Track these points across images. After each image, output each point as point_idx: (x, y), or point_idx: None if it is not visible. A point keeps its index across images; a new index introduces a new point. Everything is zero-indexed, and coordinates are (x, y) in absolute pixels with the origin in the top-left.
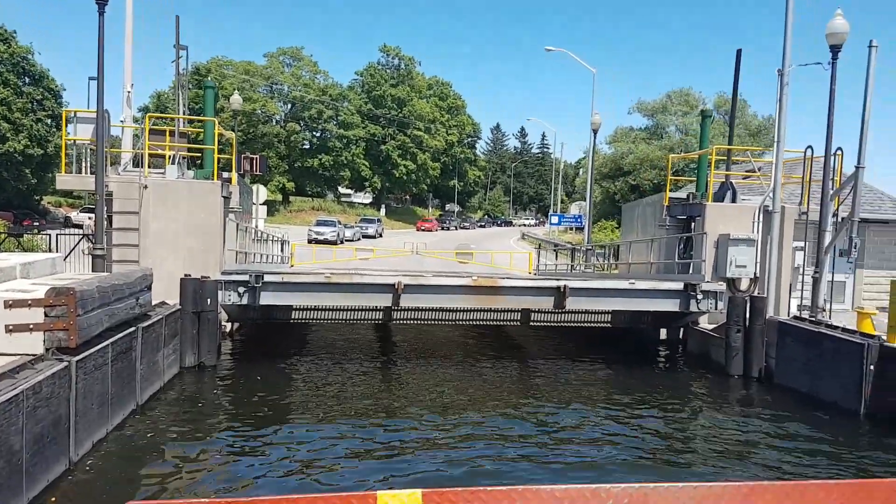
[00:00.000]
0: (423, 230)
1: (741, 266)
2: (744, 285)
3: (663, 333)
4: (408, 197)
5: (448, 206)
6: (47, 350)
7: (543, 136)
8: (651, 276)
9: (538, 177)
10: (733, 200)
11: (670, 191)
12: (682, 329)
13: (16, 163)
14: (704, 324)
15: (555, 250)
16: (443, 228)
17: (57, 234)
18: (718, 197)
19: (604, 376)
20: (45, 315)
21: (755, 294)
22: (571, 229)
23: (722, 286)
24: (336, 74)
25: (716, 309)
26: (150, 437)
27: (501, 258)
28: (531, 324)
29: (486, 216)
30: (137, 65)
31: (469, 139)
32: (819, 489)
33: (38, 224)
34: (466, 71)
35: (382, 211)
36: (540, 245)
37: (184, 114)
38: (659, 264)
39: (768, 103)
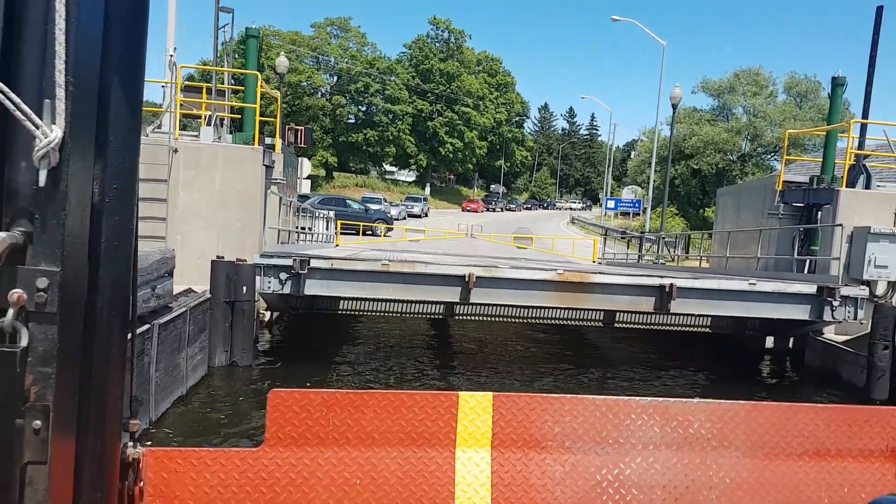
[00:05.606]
0: (469, 211)
1: (881, 266)
2: (880, 290)
3: (769, 342)
4: (452, 176)
5: (493, 187)
6: None
7: (593, 116)
8: (759, 274)
9: (586, 159)
10: (867, 186)
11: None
12: (792, 338)
13: None
14: (830, 334)
15: (623, 238)
16: (488, 210)
17: None
18: (849, 182)
19: (705, 392)
20: None
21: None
22: (627, 215)
23: (864, 291)
24: (384, 47)
25: (854, 318)
26: None
27: (562, 244)
28: (616, 325)
29: (531, 199)
30: (184, 32)
31: (517, 118)
32: (810, 410)
33: None
34: (515, 47)
35: (427, 190)
36: (606, 232)
37: (228, 81)
38: (768, 260)
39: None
